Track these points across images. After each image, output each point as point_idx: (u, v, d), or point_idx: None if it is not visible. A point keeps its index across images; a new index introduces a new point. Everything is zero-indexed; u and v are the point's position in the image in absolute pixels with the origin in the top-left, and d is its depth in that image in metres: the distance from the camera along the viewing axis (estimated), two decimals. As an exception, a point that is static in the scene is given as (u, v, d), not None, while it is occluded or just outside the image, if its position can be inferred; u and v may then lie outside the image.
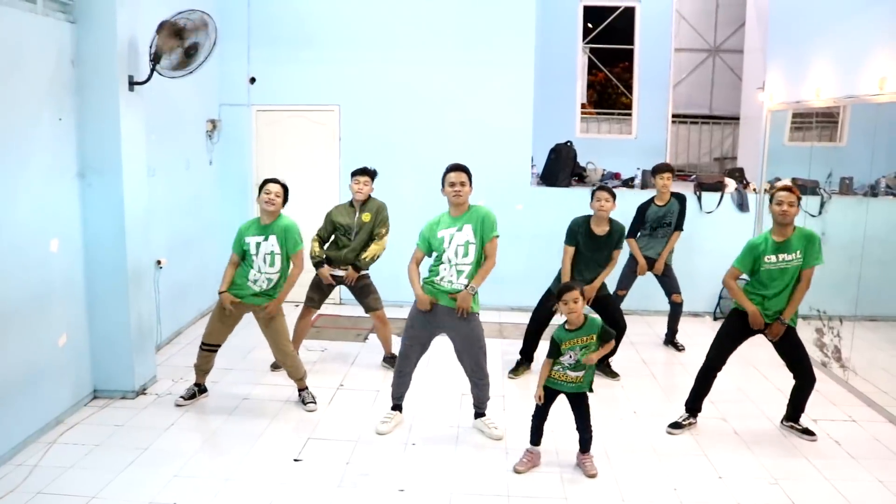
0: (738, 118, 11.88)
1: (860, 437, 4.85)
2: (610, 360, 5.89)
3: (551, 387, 4.29)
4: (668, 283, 6.56)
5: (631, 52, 11.56)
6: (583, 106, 12.17)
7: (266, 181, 4.99)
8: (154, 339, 5.68)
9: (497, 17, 7.64)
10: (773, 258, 4.61)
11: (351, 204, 5.79)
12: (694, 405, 4.91)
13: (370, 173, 5.75)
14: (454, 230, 4.59)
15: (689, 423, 4.88)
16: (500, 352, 6.43)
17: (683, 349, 6.67)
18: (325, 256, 5.74)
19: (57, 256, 4.73)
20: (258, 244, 4.91)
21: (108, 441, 4.53)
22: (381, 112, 7.76)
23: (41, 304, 4.55)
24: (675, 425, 4.86)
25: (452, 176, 4.61)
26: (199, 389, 5.23)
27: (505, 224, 6.83)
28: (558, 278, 5.75)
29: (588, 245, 5.63)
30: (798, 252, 4.61)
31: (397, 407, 4.91)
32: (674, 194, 6.51)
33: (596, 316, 4.44)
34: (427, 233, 4.69)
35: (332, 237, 5.80)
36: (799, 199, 4.59)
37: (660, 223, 6.46)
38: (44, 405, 4.61)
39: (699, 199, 7.68)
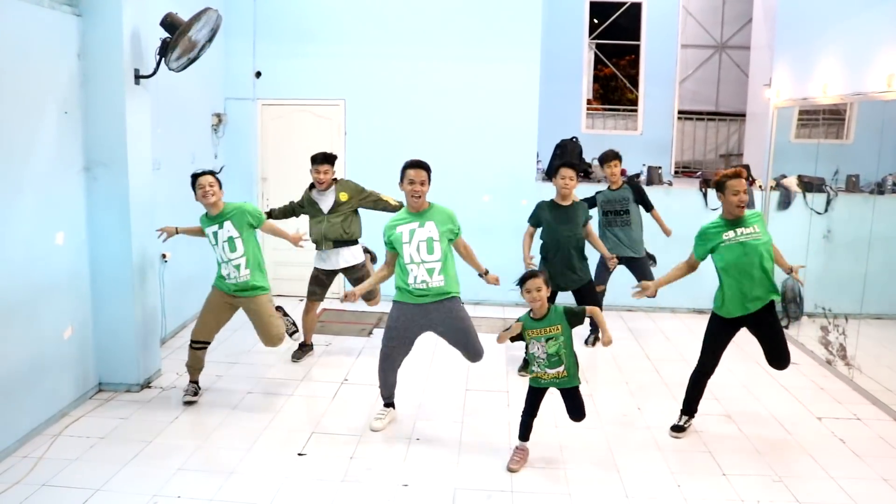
0: (744, 115, 11.84)
1: (865, 435, 4.83)
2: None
3: (535, 386, 4.27)
4: (642, 270, 6.51)
5: (637, 47, 11.52)
6: (588, 102, 12.14)
7: (195, 177, 4.93)
8: (159, 333, 5.69)
9: (503, 12, 7.62)
10: (731, 233, 4.48)
11: (312, 187, 5.93)
12: (690, 408, 4.84)
13: (330, 159, 5.84)
14: (415, 225, 4.56)
15: (689, 424, 4.86)
16: (505, 347, 6.42)
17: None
18: (272, 211, 5.98)
19: (62, 249, 4.74)
20: (215, 234, 4.94)
21: (113, 434, 4.54)
22: (386, 107, 7.75)
23: (46, 297, 4.57)
24: (677, 428, 4.81)
25: (412, 173, 4.56)
26: (197, 387, 5.20)
27: (509, 220, 6.87)
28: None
29: (556, 217, 5.65)
30: (756, 226, 4.49)
31: (390, 404, 4.90)
32: (626, 181, 6.61)
33: (559, 304, 4.32)
34: (387, 232, 4.66)
35: (309, 218, 5.94)
36: (752, 182, 4.51)
37: (613, 209, 6.47)
38: (49, 398, 4.62)
39: (704, 195, 7.66)
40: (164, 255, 6.04)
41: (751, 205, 7.56)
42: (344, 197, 5.84)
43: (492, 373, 5.84)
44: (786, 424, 4.96)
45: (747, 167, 8.52)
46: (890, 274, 5.75)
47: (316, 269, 5.99)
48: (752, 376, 5.92)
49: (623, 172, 8.47)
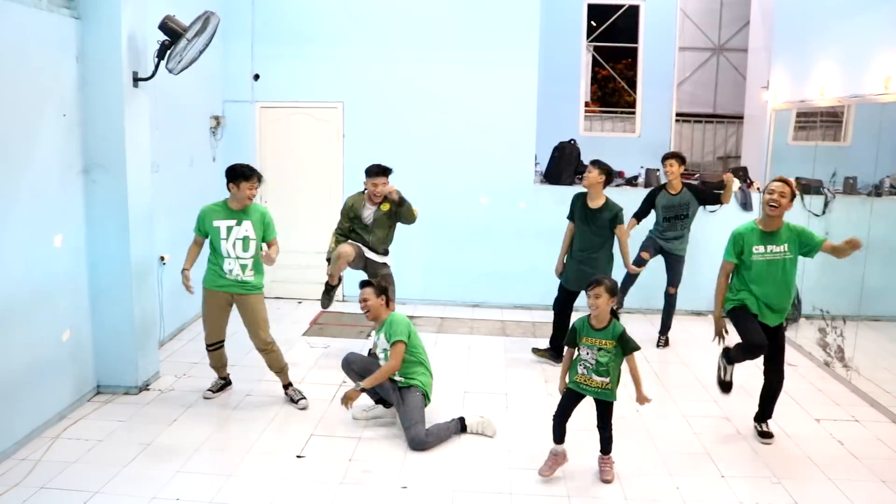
0: (741, 117, 11.87)
1: (863, 437, 4.84)
2: None
3: (575, 389, 4.16)
4: (671, 273, 6.54)
5: (635, 50, 11.54)
6: (586, 104, 12.15)
7: (248, 174, 4.87)
8: (157, 335, 5.69)
9: (501, 15, 7.63)
10: (762, 248, 4.48)
11: (362, 194, 5.87)
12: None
13: (387, 172, 5.79)
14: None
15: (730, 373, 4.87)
16: (503, 349, 6.43)
17: (664, 346, 6.66)
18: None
19: (61, 252, 4.74)
20: (230, 228, 4.90)
21: (112, 436, 4.54)
22: (384, 109, 7.76)
23: (45, 299, 4.56)
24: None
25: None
26: (225, 382, 5.35)
27: (508, 222, 6.87)
28: None
29: (581, 216, 5.71)
30: (787, 246, 4.48)
31: (380, 401, 4.93)
32: (686, 185, 6.48)
33: (619, 323, 4.18)
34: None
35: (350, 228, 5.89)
36: (794, 195, 4.46)
37: (675, 214, 6.38)
38: (47, 400, 4.62)
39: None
40: (162, 258, 6.03)
41: (749, 207, 7.61)
42: (386, 207, 5.82)
43: (491, 375, 5.84)
44: (784, 426, 4.96)
45: (745, 169, 8.54)
46: (887, 276, 5.76)
47: (327, 285, 5.98)
48: (751, 378, 5.91)
49: (621, 175, 8.51)
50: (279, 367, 5.16)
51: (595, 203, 5.71)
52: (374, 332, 4.90)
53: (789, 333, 6.96)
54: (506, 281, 6.46)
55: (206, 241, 5.02)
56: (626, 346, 4.07)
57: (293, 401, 5.12)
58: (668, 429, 4.87)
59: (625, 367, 4.13)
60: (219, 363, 5.25)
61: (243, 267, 4.94)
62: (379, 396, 4.87)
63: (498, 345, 6.59)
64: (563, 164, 8.01)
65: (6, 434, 4.22)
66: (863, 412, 5.28)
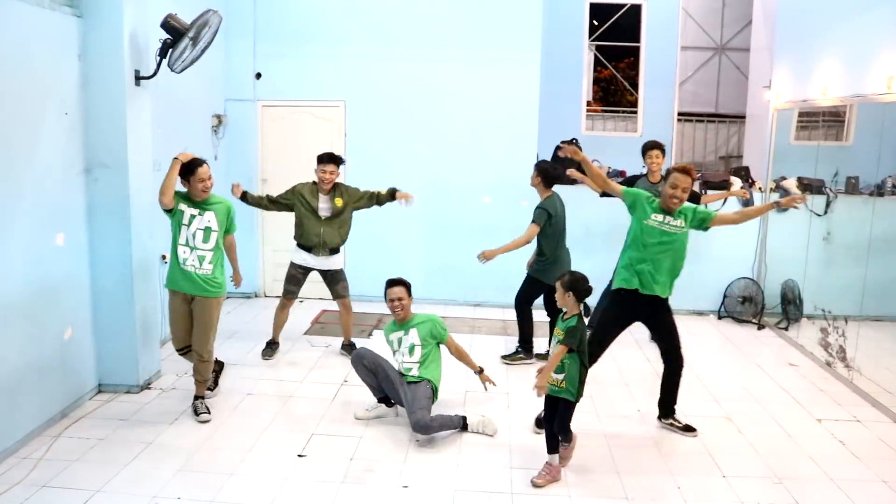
0: (743, 116, 11.85)
1: (865, 438, 4.84)
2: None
3: (548, 393, 4.10)
4: None
5: (637, 49, 11.53)
6: (588, 103, 12.15)
7: (197, 164, 4.69)
8: (158, 334, 5.68)
9: (504, 14, 7.63)
10: (660, 217, 4.54)
11: (314, 184, 5.95)
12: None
13: (337, 161, 5.89)
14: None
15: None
16: (504, 348, 6.43)
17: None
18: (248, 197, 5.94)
19: (62, 251, 4.74)
20: (192, 217, 4.75)
21: (113, 435, 4.54)
22: (386, 108, 7.75)
23: (46, 297, 4.56)
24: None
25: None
26: (219, 367, 5.38)
27: (510, 221, 6.85)
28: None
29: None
30: (682, 221, 4.55)
31: (383, 400, 4.95)
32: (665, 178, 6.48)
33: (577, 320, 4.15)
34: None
35: (296, 217, 5.93)
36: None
37: None
38: (48, 399, 4.62)
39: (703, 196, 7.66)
40: (163, 256, 6.02)
41: (750, 205, 7.60)
42: (339, 203, 5.91)
43: (492, 374, 5.83)
44: (785, 426, 4.96)
45: (747, 169, 8.53)
46: (889, 276, 5.75)
47: (294, 266, 6.03)
48: (752, 378, 5.92)
49: (622, 174, 8.51)
50: (204, 378, 4.95)
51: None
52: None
53: (791, 333, 6.96)
54: (507, 280, 6.46)
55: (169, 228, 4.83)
56: (565, 339, 3.99)
57: (195, 412, 4.85)
58: (670, 428, 4.86)
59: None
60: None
61: (200, 259, 4.76)
62: (383, 394, 4.88)
63: (499, 344, 6.59)
64: (564, 164, 8.00)
65: (7, 432, 4.23)
66: (864, 412, 5.27)
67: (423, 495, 3.96)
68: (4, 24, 4.12)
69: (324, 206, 5.92)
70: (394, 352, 4.90)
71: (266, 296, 8.05)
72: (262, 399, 5.23)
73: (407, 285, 4.89)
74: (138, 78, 5.07)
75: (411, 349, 4.79)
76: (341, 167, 5.98)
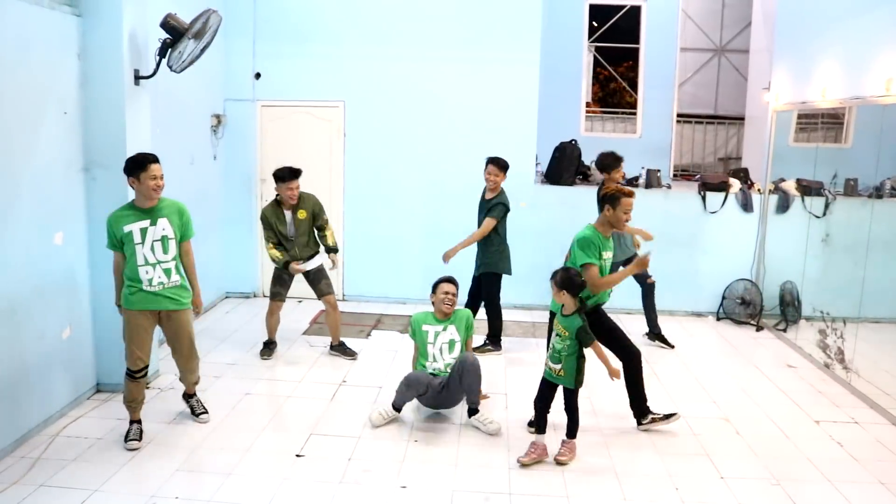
0: (743, 118, 11.86)
1: (863, 439, 4.84)
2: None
3: (544, 376, 4.42)
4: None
5: (636, 50, 11.54)
6: (588, 105, 12.16)
7: (147, 161, 4.27)
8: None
9: (503, 15, 7.63)
10: (608, 255, 4.66)
11: (278, 204, 5.89)
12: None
13: (298, 173, 5.83)
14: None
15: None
16: (503, 349, 6.42)
17: (673, 346, 6.65)
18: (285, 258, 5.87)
19: (61, 250, 4.74)
20: (143, 230, 4.28)
21: (111, 435, 4.53)
22: (385, 108, 7.75)
23: (45, 297, 4.56)
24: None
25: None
26: (139, 427, 4.49)
27: (509, 222, 6.85)
28: None
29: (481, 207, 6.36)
30: (612, 247, 4.74)
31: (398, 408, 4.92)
32: None
33: (581, 317, 4.30)
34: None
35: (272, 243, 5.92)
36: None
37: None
38: (47, 398, 4.62)
39: (703, 199, 7.66)
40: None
41: (749, 208, 7.61)
42: (303, 215, 5.89)
43: (491, 375, 5.84)
44: (784, 428, 4.97)
45: (746, 171, 8.54)
46: (888, 278, 5.76)
47: (278, 269, 6.00)
48: (751, 380, 5.92)
49: (622, 177, 8.50)
50: (195, 381, 4.84)
51: (489, 195, 6.28)
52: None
53: (790, 335, 6.97)
54: (506, 281, 6.46)
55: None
56: (584, 341, 4.25)
57: (194, 412, 4.82)
58: (668, 429, 4.87)
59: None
60: (138, 396, 4.47)
61: (167, 272, 4.37)
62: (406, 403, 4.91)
63: (498, 345, 6.59)
64: (563, 165, 8.02)
65: (6, 431, 4.22)
66: (862, 414, 5.27)
67: (421, 496, 3.96)
68: (4, 23, 4.11)
69: (290, 229, 5.89)
70: (423, 343, 5.00)
71: (265, 296, 8.03)
72: (260, 399, 5.23)
73: (458, 284, 5.12)
74: (138, 77, 5.06)
75: (451, 345, 4.97)
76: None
